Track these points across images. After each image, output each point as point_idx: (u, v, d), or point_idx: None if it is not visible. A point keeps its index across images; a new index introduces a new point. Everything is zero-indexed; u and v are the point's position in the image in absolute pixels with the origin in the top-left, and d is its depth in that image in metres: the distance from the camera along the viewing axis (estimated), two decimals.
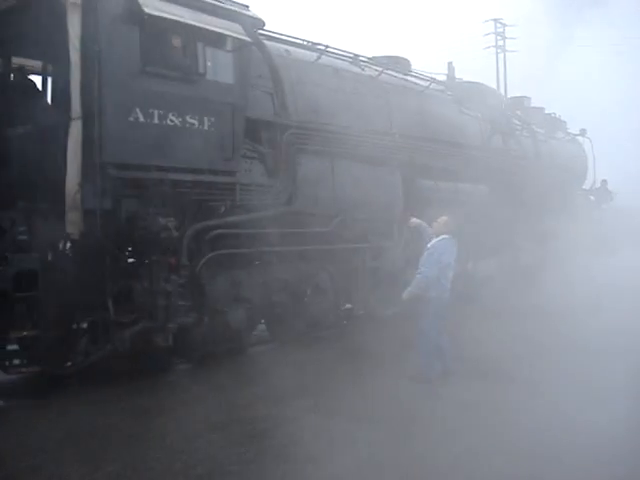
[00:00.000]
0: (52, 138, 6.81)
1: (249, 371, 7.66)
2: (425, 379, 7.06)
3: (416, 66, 12.38)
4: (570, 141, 16.84)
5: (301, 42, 9.99)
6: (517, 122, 14.62)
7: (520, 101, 15.41)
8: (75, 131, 6.58)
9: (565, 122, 17.09)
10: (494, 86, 27.51)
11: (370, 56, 11.56)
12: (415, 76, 12.11)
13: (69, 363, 7.16)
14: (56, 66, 7.06)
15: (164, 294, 7.19)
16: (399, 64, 12.01)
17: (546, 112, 16.71)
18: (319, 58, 9.82)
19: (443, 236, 7.32)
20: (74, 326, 7.27)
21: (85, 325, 7.26)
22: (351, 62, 10.61)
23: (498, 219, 12.53)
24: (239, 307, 8.24)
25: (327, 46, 9.97)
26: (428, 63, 25.23)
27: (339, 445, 5.21)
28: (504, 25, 33.53)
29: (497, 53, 33.74)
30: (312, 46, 10.11)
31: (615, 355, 7.73)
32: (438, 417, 6.02)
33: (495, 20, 33.21)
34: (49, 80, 8.35)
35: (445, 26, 61.87)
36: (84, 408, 6.18)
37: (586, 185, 17.33)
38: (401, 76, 11.62)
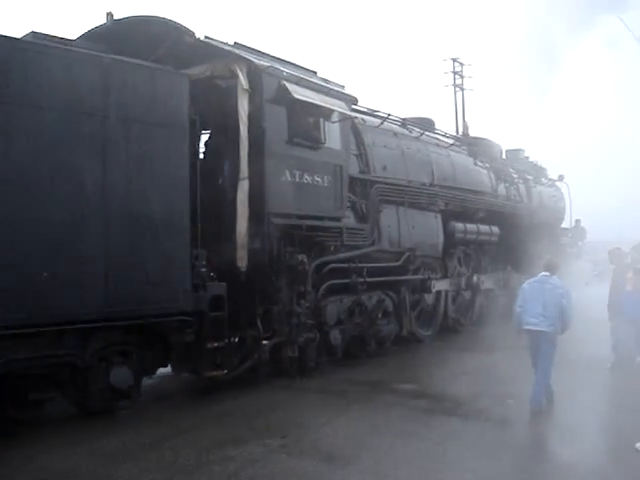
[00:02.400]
0: (223, 193, 8.72)
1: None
2: (538, 409, 7.47)
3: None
4: (551, 186, 19.55)
5: (365, 110, 12.14)
6: (513, 171, 17.19)
7: (516, 153, 18.05)
8: (243, 188, 8.52)
9: (545, 169, 19.84)
10: (453, 122, 29.98)
11: (403, 117, 13.85)
12: (440, 134, 14.47)
13: (224, 371, 8.90)
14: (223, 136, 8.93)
15: (296, 314, 9.17)
16: (427, 124, 14.35)
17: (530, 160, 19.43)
18: (382, 124, 12.03)
19: (542, 273, 7.91)
20: (226, 340, 9.05)
21: (236, 339, 9.03)
22: (400, 125, 12.86)
23: (507, 254, 15.13)
24: (337, 327, 10.20)
25: (389, 114, 12.20)
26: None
27: None
28: (462, 64, 34.46)
29: (455, 91, 34.94)
30: (373, 112, 12.29)
31: None
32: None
33: (453, 59, 34.24)
34: None
35: (412, 64, 65.10)
36: (47, 451, 6.07)
37: (565, 224, 20.08)
38: (434, 135, 13.98)
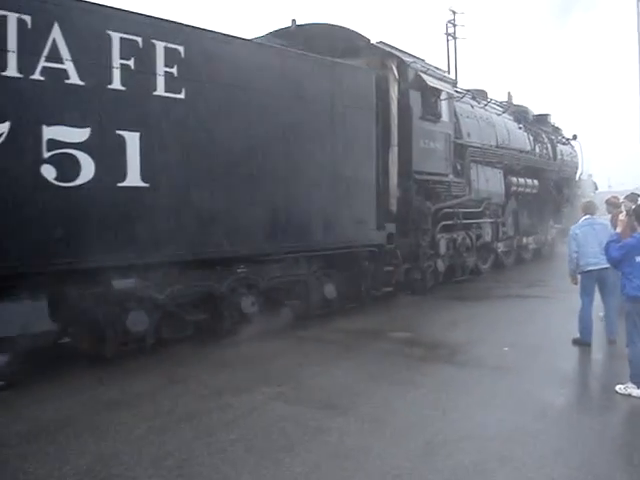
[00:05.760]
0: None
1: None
2: (583, 343, 8.09)
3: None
4: (567, 144, 22.78)
5: None
6: (542, 132, 20.37)
7: (545, 117, 21.17)
8: (394, 153, 11.49)
9: (561, 129, 23.04)
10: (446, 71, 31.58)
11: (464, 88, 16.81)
12: (495, 103, 17.52)
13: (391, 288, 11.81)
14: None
15: (421, 247, 12.33)
16: (483, 95, 17.37)
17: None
18: (463, 97, 15.02)
19: (585, 217, 8.38)
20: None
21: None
22: (471, 98, 15.85)
23: (544, 203, 18.57)
24: (441, 258, 13.36)
25: (469, 90, 15.20)
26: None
27: None
28: (455, 12, 35.26)
29: (448, 40, 35.85)
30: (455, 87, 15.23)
31: None
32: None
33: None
34: None
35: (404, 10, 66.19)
36: (44, 401, 6.09)
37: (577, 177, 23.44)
38: (492, 105, 17.04)
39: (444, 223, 13.05)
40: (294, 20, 11.45)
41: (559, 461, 4.60)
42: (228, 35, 8.42)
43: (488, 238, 15.95)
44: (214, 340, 8.53)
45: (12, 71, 6.47)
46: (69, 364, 7.27)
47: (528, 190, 17.77)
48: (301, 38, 11.25)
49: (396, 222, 11.71)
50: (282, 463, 4.60)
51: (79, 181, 6.92)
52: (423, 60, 13.15)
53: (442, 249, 13.07)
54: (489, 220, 15.36)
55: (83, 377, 6.86)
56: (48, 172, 6.69)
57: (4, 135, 6.40)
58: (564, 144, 22.47)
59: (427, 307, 11.62)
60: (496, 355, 7.77)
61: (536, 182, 18.22)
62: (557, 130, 22.53)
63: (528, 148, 18.39)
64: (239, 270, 9.05)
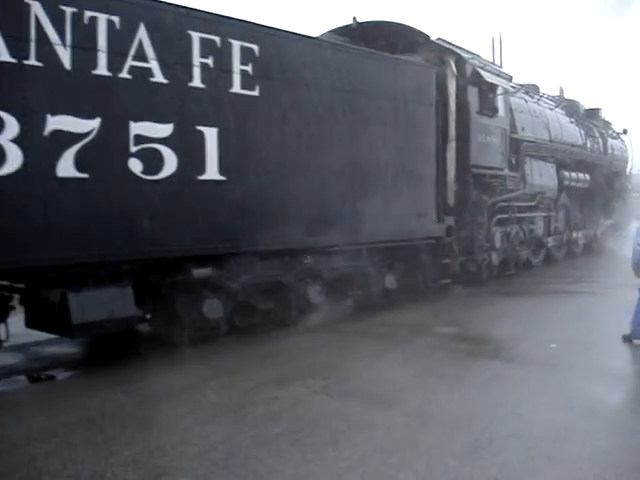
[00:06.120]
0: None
1: None
2: (633, 338, 7.85)
3: None
4: (617, 138, 22.56)
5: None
6: (593, 127, 20.24)
7: (596, 112, 21.02)
8: (452, 147, 11.65)
9: (611, 123, 22.80)
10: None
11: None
12: (547, 98, 17.50)
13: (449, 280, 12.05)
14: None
15: (477, 239, 12.47)
16: (535, 89, 17.36)
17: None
18: (516, 92, 15.07)
19: None
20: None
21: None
22: (523, 92, 15.87)
23: (594, 197, 18.50)
24: (495, 251, 13.48)
25: (522, 85, 15.24)
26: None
27: None
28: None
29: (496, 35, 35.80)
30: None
31: None
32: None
33: None
34: None
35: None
36: (91, 392, 6.13)
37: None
38: (544, 99, 17.03)
39: (499, 217, 13.15)
40: (355, 17, 11.69)
41: (610, 461, 4.46)
42: (298, 34, 8.72)
43: (540, 232, 16.01)
44: (274, 329, 8.72)
45: (102, 70, 6.84)
46: (128, 352, 7.57)
47: (580, 184, 17.73)
48: (362, 35, 11.51)
49: (453, 215, 11.89)
50: (327, 457, 4.55)
51: (163, 174, 7.29)
52: (479, 56, 13.26)
53: (497, 242, 13.20)
54: (542, 214, 15.41)
55: (138, 367, 6.99)
56: (135, 166, 7.07)
57: (95, 130, 6.78)
58: (614, 138, 22.25)
59: (476, 301, 11.72)
60: (543, 351, 7.63)
61: (587, 176, 18.16)
62: (607, 124, 22.31)
63: (580, 142, 18.33)
64: (305, 261, 9.33)
